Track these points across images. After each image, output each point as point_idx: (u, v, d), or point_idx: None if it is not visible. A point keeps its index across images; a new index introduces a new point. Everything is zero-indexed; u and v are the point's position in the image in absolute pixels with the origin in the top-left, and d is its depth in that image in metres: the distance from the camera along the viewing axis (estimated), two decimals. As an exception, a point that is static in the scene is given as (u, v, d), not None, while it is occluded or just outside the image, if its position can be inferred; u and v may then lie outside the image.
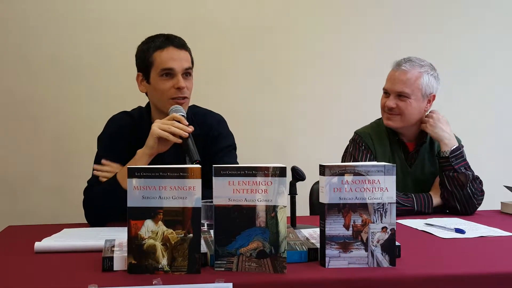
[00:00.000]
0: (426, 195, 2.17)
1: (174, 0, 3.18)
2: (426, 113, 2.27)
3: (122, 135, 2.04)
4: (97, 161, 2.03)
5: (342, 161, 2.37)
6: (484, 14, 3.44)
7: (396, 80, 2.21)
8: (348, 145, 2.39)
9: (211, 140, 2.08)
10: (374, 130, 2.34)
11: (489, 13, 3.45)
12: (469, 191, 2.13)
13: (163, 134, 1.83)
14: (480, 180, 2.19)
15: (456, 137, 2.27)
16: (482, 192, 2.18)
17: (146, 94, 2.08)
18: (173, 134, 1.83)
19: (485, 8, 3.45)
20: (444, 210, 2.18)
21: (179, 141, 1.83)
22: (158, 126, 1.84)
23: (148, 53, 1.99)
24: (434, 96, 2.27)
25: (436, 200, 2.17)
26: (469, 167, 2.18)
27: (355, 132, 2.37)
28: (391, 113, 2.23)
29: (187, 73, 1.99)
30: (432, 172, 2.27)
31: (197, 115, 2.11)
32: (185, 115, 1.92)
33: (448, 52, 3.39)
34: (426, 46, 3.32)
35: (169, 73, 1.96)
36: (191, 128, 1.86)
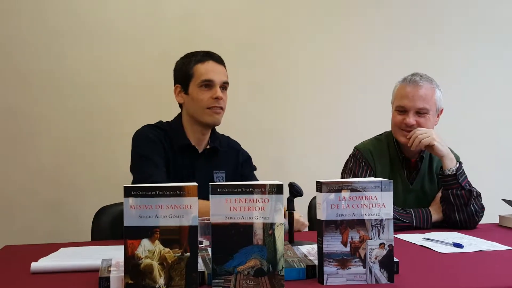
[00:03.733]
0: (425, 210, 2.16)
1: (170, 15, 3.20)
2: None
3: (160, 143, 2.11)
4: (150, 159, 2.05)
5: (342, 176, 2.37)
6: (483, 19, 3.47)
7: (416, 97, 2.18)
8: (348, 160, 2.38)
9: (242, 163, 2.30)
10: (374, 146, 2.32)
11: (488, 18, 3.48)
12: (472, 208, 2.12)
13: None
14: (481, 195, 2.18)
15: (454, 153, 2.27)
16: (483, 208, 2.17)
17: (180, 106, 2.21)
18: None
19: (483, 15, 3.47)
20: (442, 225, 2.17)
21: None
22: None
23: (189, 66, 2.15)
24: (442, 110, 2.28)
25: (435, 216, 2.16)
26: (470, 183, 2.17)
27: (355, 148, 2.36)
28: (410, 129, 2.19)
29: (224, 86, 2.15)
30: (431, 189, 2.28)
31: (221, 137, 2.31)
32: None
33: (443, 63, 3.41)
34: (423, 56, 3.35)
35: (208, 84, 2.12)
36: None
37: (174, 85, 2.21)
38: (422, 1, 3.44)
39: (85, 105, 3.13)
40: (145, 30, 3.15)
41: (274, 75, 3.30)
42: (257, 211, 1.29)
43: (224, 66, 2.18)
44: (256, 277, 1.28)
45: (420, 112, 2.19)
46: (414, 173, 2.29)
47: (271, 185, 1.30)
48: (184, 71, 2.16)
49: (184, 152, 2.15)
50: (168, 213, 1.28)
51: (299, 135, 3.32)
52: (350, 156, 2.37)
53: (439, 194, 2.21)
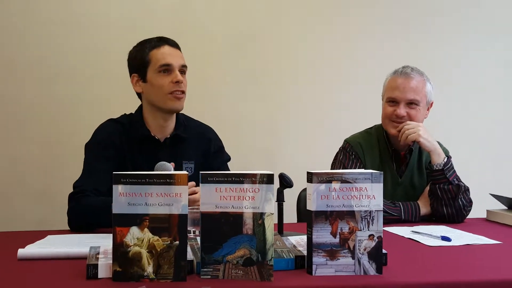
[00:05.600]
0: (414, 204, 2.17)
1: (162, 6, 3.18)
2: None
3: (112, 143, 2.04)
4: (88, 169, 2.02)
5: (331, 169, 2.37)
6: (478, 16, 3.48)
7: (407, 88, 2.19)
8: (337, 153, 2.38)
9: (213, 154, 2.19)
10: (365, 139, 2.32)
11: (484, 15, 3.49)
12: (460, 202, 2.13)
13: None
14: (469, 189, 2.20)
15: (443, 147, 2.28)
16: (470, 203, 2.18)
17: (139, 96, 2.12)
18: None
19: (479, 12, 3.49)
20: (431, 218, 2.18)
21: None
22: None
23: (144, 52, 2.07)
24: (432, 103, 2.29)
25: (424, 210, 2.16)
26: (459, 177, 2.18)
27: (345, 140, 2.36)
28: (401, 121, 2.20)
29: (183, 70, 2.07)
30: (420, 182, 2.28)
31: (190, 122, 2.20)
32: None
33: (436, 57, 3.42)
34: (415, 50, 3.36)
35: (167, 69, 2.04)
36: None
37: (130, 75, 2.11)
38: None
39: (74, 94, 3.11)
40: (136, 21, 3.13)
41: (266, 66, 3.29)
42: (247, 200, 1.29)
43: (180, 50, 2.10)
44: (245, 267, 1.28)
45: (410, 104, 2.20)
46: (403, 166, 2.29)
47: (261, 175, 1.29)
48: (140, 59, 2.06)
49: (145, 143, 2.06)
50: (157, 201, 1.27)
51: (290, 127, 3.32)
52: (340, 149, 2.37)
53: (428, 188, 2.22)
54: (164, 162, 1.84)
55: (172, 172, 1.31)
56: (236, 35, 3.25)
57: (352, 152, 2.29)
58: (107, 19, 3.13)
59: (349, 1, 3.37)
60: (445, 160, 2.16)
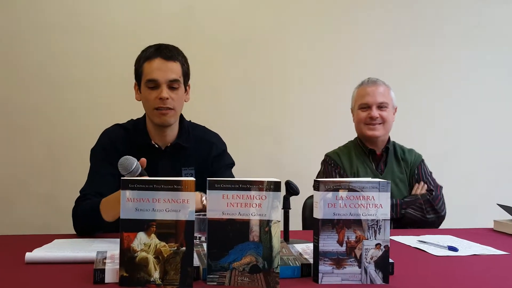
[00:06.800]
0: (395, 199, 2.35)
1: (166, 12, 3.20)
2: None
3: (115, 148, 2.04)
4: (92, 174, 2.04)
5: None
6: (477, 24, 3.48)
7: (375, 93, 2.47)
8: (320, 170, 2.56)
9: (214, 158, 2.14)
10: (341, 150, 2.56)
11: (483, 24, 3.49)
12: (430, 217, 2.35)
13: None
14: (429, 200, 2.36)
15: (416, 153, 2.55)
16: (439, 211, 2.36)
17: None
18: None
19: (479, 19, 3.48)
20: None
21: None
22: None
23: (139, 63, 2.05)
24: (396, 108, 2.54)
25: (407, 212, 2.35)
26: (411, 203, 2.35)
27: (325, 155, 2.57)
28: (375, 123, 2.45)
29: (172, 85, 2.01)
30: (401, 177, 2.46)
31: (195, 130, 2.17)
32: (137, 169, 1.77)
33: (441, 63, 3.42)
34: (419, 56, 3.36)
35: (153, 84, 2.00)
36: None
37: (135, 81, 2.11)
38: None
39: (78, 98, 3.13)
40: (141, 25, 3.15)
41: (272, 72, 3.31)
42: (254, 207, 1.29)
43: (177, 61, 2.01)
44: (251, 274, 1.28)
45: (381, 107, 2.46)
46: (382, 164, 2.49)
47: (269, 182, 1.29)
48: (136, 69, 2.06)
49: (146, 151, 2.02)
50: (165, 207, 1.27)
51: (295, 134, 3.32)
52: (321, 163, 2.57)
53: (413, 191, 2.43)
54: (128, 156, 1.77)
55: (180, 178, 1.30)
56: (241, 40, 3.26)
57: (331, 161, 2.51)
58: (112, 24, 3.16)
59: (355, 5, 3.38)
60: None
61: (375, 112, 2.44)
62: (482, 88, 3.48)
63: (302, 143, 3.31)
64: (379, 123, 2.45)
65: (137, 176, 1.71)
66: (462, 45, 3.47)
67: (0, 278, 1.33)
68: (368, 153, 2.50)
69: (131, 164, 1.74)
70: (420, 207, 2.34)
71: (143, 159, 1.80)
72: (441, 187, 2.44)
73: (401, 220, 2.33)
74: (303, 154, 3.28)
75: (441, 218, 2.37)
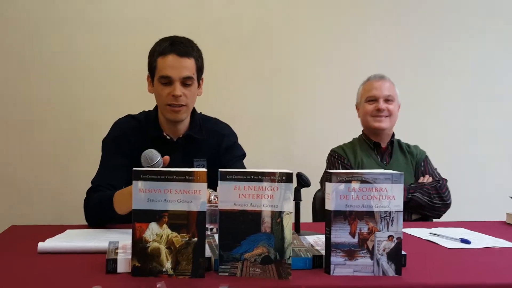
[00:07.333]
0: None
1: (178, 3, 3.19)
2: None
3: (126, 139, 2.05)
4: (103, 165, 2.04)
5: (322, 179, 2.56)
6: (484, 19, 3.44)
7: (383, 87, 2.53)
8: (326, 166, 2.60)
9: (225, 149, 2.15)
10: (346, 145, 2.61)
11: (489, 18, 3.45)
12: (437, 204, 2.37)
13: None
14: (438, 186, 2.37)
15: (420, 150, 2.58)
16: (444, 198, 2.37)
17: None
18: None
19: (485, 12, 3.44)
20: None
21: None
22: None
23: (153, 57, 2.03)
24: (399, 106, 2.58)
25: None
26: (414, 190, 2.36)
27: (330, 150, 2.60)
28: (382, 115, 2.50)
29: (185, 81, 2.00)
30: (406, 168, 2.49)
31: (206, 122, 2.17)
32: (159, 161, 1.79)
33: (457, 57, 3.39)
34: (430, 50, 3.33)
35: (166, 80, 1.99)
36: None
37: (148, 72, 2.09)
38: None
39: (90, 92, 3.13)
40: (153, 19, 3.14)
41: (284, 64, 3.29)
42: (266, 199, 1.29)
43: (191, 57, 2.00)
44: (263, 265, 1.28)
45: (387, 100, 2.51)
46: (387, 156, 2.54)
47: (280, 173, 1.29)
48: (150, 62, 2.04)
49: (158, 142, 2.02)
50: (176, 198, 1.28)
51: (307, 127, 3.31)
52: (326, 159, 2.61)
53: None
54: (153, 150, 1.77)
55: (192, 169, 1.30)
56: (253, 32, 3.25)
57: (335, 155, 2.55)
58: (123, 17, 3.15)
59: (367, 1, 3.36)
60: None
61: (382, 105, 2.49)
62: (495, 78, 3.44)
63: (313, 136, 3.30)
64: (386, 116, 2.50)
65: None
66: (470, 38, 3.43)
67: (13, 268, 1.35)
68: (373, 146, 2.54)
69: (155, 158, 1.76)
70: (428, 192, 2.35)
71: (167, 157, 1.80)
72: (446, 180, 2.44)
73: (408, 204, 2.32)
74: (314, 147, 3.27)
75: (447, 206, 2.38)
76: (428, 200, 2.34)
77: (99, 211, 1.87)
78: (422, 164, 2.53)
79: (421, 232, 1.87)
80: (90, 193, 1.96)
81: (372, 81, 2.57)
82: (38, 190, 3.11)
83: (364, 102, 2.56)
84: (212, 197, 1.76)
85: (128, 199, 1.72)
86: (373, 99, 2.52)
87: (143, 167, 1.73)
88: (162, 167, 1.76)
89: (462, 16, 3.41)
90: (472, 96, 3.40)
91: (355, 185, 1.31)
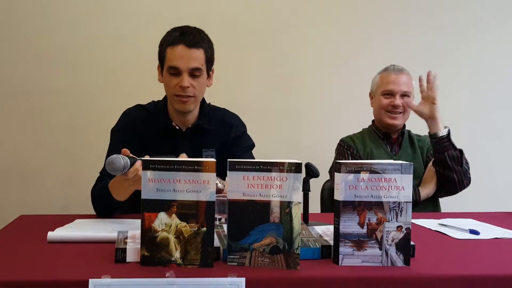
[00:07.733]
0: (413, 189, 2.29)
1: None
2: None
3: (135, 128, 2.05)
4: (110, 153, 2.04)
5: (330, 169, 2.54)
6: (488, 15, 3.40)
7: (401, 82, 2.45)
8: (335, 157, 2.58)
9: (233, 139, 2.15)
10: (355, 135, 2.58)
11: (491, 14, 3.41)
12: (466, 167, 2.34)
13: None
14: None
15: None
16: (468, 164, 2.36)
17: None
18: None
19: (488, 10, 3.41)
20: (440, 190, 2.39)
21: None
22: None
23: (163, 47, 2.03)
24: (413, 98, 2.52)
25: (424, 193, 2.35)
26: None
27: (339, 140, 2.58)
28: (396, 111, 2.44)
29: (194, 73, 1.99)
30: (416, 160, 2.44)
31: (215, 112, 2.17)
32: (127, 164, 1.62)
33: (461, 52, 3.36)
34: (436, 47, 3.31)
35: (175, 71, 1.99)
36: None
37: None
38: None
39: (101, 81, 3.14)
40: (163, 8, 3.13)
41: (292, 54, 3.27)
42: (274, 189, 1.29)
43: (200, 48, 1.98)
44: (271, 255, 1.28)
45: (404, 95, 2.45)
46: (396, 146, 2.51)
47: (290, 163, 1.29)
48: (160, 52, 2.04)
49: (166, 132, 2.05)
50: (185, 188, 1.28)
51: (316, 117, 3.30)
52: (335, 149, 2.58)
53: (427, 171, 2.40)
54: (111, 160, 1.57)
55: (200, 159, 1.30)
56: (261, 22, 3.23)
57: (345, 145, 2.53)
58: (133, 8, 3.15)
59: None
60: (447, 128, 2.33)
61: (399, 101, 2.43)
62: (502, 73, 3.41)
63: (322, 127, 3.28)
64: (400, 112, 2.45)
65: (130, 166, 1.61)
66: (478, 34, 3.40)
67: (22, 257, 1.36)
68: (383, 137, 2.51)
69: (119, 165, 1.57)
70: (455, 152, 2.33)
71: (183, 155, 1.74)
72: None
73: (439, 163, 2.33)
74: (323, 138, 3.25)
75: (469, 177, 2.36)
76: (459, 154, 2.31)
77: (102, 200, 1.88)
78: (432, 152, 2.47)
79: (430, 223, 1.87)
80: (96, 183, 1.97)
81: (390, 73, 2.48)
82: (47, 180, 3.12)
83: (380, 95, 2.49)
84: (220, 185, 1.75)
85: (120, 187, 1.74)
86: (389, 93, 2.45)
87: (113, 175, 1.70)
88: (131, 160, 1.62)
89: (476, 16, 3.38)
90: (481, 91, 3.37)
91: (364, 175, 1.31)
